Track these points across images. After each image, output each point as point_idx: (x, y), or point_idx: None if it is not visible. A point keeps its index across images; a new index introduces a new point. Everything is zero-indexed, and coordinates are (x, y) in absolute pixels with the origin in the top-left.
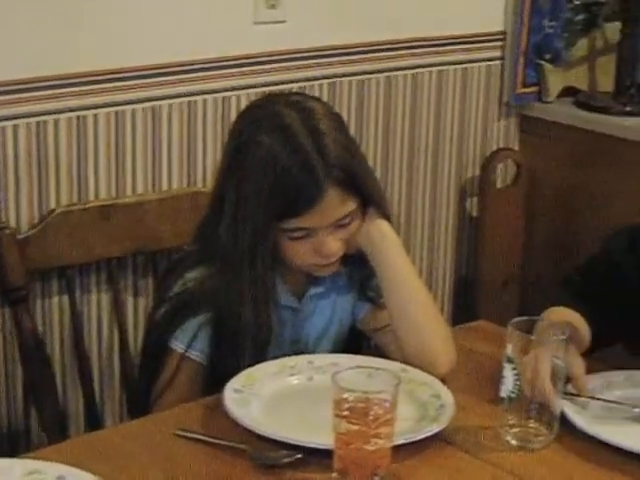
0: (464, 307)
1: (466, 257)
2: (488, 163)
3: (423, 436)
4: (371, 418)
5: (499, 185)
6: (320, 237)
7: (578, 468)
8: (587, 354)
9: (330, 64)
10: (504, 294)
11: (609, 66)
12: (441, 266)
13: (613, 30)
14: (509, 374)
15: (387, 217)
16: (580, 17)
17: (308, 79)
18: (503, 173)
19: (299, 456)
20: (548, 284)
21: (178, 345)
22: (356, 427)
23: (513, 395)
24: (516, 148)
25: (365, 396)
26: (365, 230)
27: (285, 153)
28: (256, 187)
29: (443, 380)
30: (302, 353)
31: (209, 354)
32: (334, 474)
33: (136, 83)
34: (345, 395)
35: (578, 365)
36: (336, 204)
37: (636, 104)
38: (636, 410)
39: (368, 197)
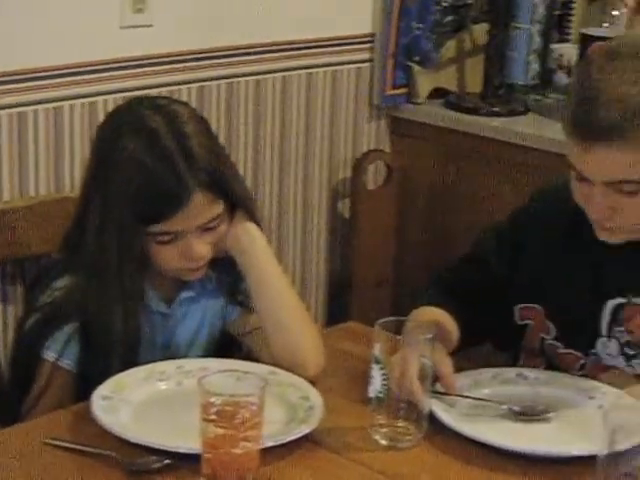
0: (338, 309)
1: (339, 259)
2: (359, 165)
3: (292, 438)
4: (239, 421)
5: (370, 187)
6: (187, 241)
7: (448, 466)
8: (456, 352)
9: (198, 68)
10: (378, 295)
11: (478, 67)
12: (314, 268)
13: (481, 31)
14: (377, 374)
15: (255, 220)
16: (448, 19)
17: (176, 83)
18: (374, 175)
19: (168, 462)
20: (421, 284)
21: (49, 355)
22: (224, 431)
23: (381, 395)
24: (387, 150)
25: (232, 400)
26: (233, 233)
27: (150, 157)
28: (122, 192)
29: (312, 382)
30: (174, 358)
31: (80, 362)
32: (202, 479)
33: (0, 89)
34: (212, 399)
35: (446, 364)
36: (203, 207)
37: (504, 104)
38: (504, 407)
39: (236, 200)
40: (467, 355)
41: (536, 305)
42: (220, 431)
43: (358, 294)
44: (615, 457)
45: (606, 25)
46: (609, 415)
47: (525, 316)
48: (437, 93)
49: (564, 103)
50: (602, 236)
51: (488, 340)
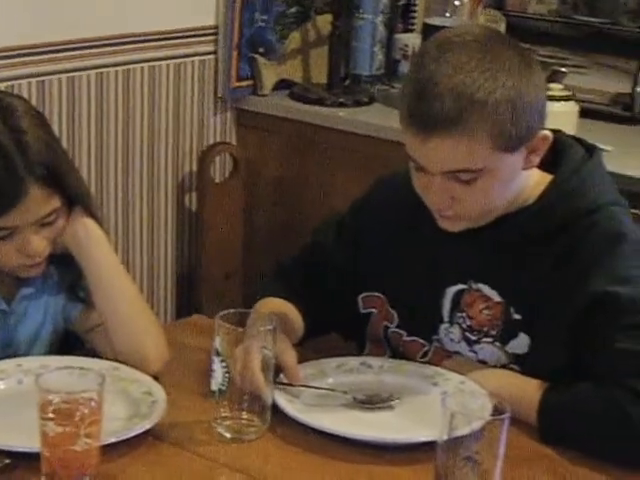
0: (188, 303)
1: (188, 252)
2: (205, 158)
3: (134, 433)
4: (78, 419)
5: (217, 179)
6: (24, 236)
7: (292, 457)
8: (301, 343)
9: (40, 62)
10: (227, 287)
11: (322, 58)
12: (162, 262)
13: (325, 22)
14: (218, 367)
15: (93, 215)
16: (292, 10)
17: (15, 78)
18: (221, 167)
19: (8, 462)
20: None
21: None
22: (63, 429)
23: (223, 388)
24: (233, 142)
25: (70, 397)
26: (70, 229)
27: None
28: None
29: (155, 376)
30: (15, 357)
31: None
32: (42, 478)
33: None
34: (50, 397)
35: (288, 354)
36: (39, 202)
37: (350, 95)
38: (348, 396)
39: (73, 195)
40: (312, 345)
41: (378, 294)
42: (59, 429)
43: (208, 287)
44: (455, 442)
45: (448, 15)
46: (448, 400)
47: (368, 305)
48: (282, 85)
49: (400, 95)
50: (443, 225)
51: (333, 329)
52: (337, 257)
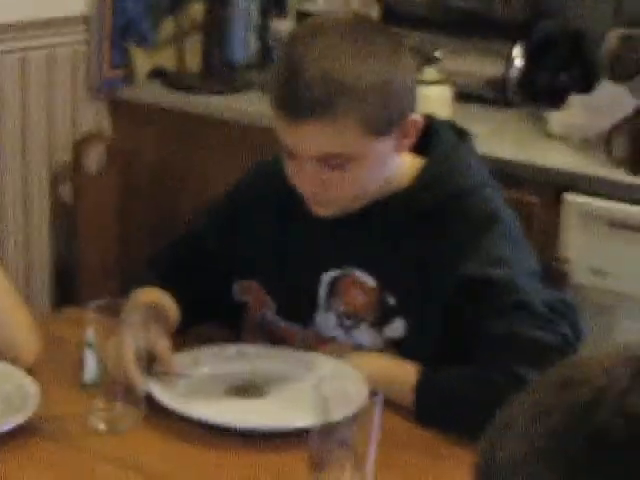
0: (64, 296)
1: (64, 245)
2: (79, 149)
3: (7, 427)
4: None
5: (92, 170)
6: None
7: (169, 447)
8: (179, 332)
9: None
10: (105, 279)
11: (197, 46)
12: (38, 256)
13: (199, 10)
14: (90, 359)
15: None
16: None
17: None
18: (96, 158)
19: None
20: None
21: None
22: None
23: (97, 379)
24: (108, 132)
25: None
26: None
27: None
28: None
29: (28, 370)
30: None
31: None
32: None
33: None
34: None
35: (162, 344)
36: None
37: (224, 83)
38: (224, 384)
39: None
40: (189, 334)
41: (254, 281)
42: None
43: (85, 279)
44: (329, 427)
45: (322, 2)
46: (321, 386)
47: (244, 292)
48: (156, 73)
49: (270, 80)
50: (316, 211)
51: (210, 318)
52: (212, 244)
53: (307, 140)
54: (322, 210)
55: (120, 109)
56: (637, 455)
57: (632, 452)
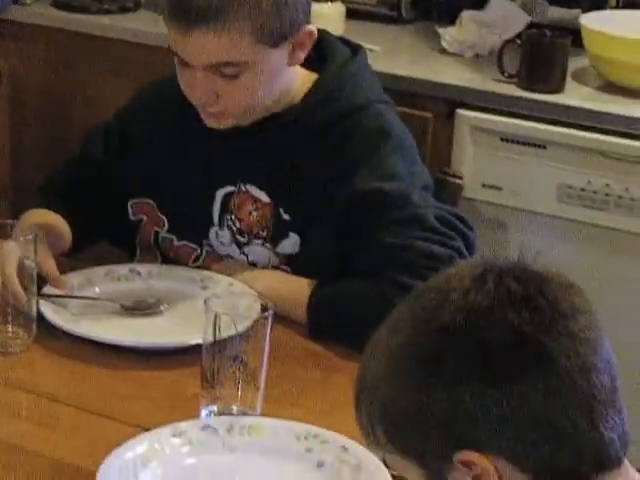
0: None
1: None
2: None
3: None
4: None
5: None
6: None
7: (61, 367)
8: (73, 252)
9: None
10: None
11: None
12: None
13: None
14: None
15: None
16: None
17: None
18: None
19: None
20: None
21: None
22: None
23: None
24: None
25: None
26: None
27: None
28: None
29: None
30: None
31: None
32: None
33: None
34: None
35: (49, 264)
36: None
37: (114, 2)
38: (116, 304)
39: None
40: (83, 254)
41: (148, 199)
42: None
43: None
44: (220, 343)
45: None
46: (211, 302)
47: (138, 211)
48: None
49: None
50: (209, 123)
51: (104, 238)
52: (103, 164)
53: (198, 48)
54: (214, 122)
55: (7, 30)
56: (479, 341)
57: (474, 339)
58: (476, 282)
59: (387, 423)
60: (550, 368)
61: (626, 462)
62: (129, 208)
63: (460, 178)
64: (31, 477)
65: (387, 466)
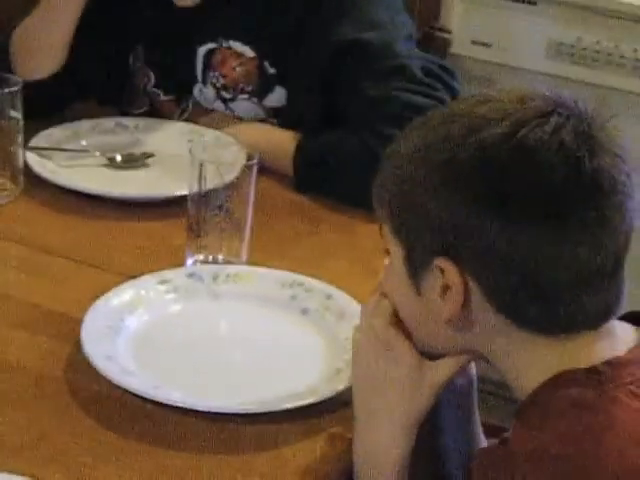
0: None
1: None
2: None
3: None
4: None
5: None
6: None
7: (48, 218)
8: (60, 108)
9: None
10: None
11: None
12: None
13: None
14: None
15: None
16: None
17: None
18: None
19: None
20: None
21: None
22: None
23: None
24: None
25: None
26: None
27: None
28: None
29: None
30: None
31: None
32: None
33: None
34: None
35: None
36: None
37: None
38: (101, 157)
39: None
40: (70, 109)
41: (139, 49)
42: None
43: None
44: (206, 192)
45: None
46: (196, 150)
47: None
48: None
49: None
50: (180, 3)
51: (92, 92)
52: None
53: None
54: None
55: None
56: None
57: (511, 176)
58: (540, 120)
59: (396, 203)
60: (571, 224)
61: (613, 324)
62: (130, 58)
63: (449, 33)
64: (18, 324)
65: (381, 235)
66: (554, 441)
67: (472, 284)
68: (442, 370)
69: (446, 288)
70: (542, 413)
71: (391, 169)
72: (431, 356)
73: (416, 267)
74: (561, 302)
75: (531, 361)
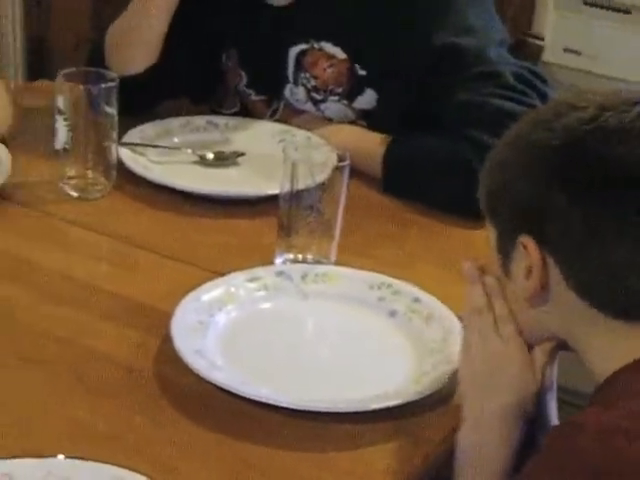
0: (39, 71)
1: (36, 20)
2: None
3: None
4: None
5: None
6: None
7: (139, 213)
8: (151, 106)
9: None
10: (77, 56)
11: None
12: (11, 29)
13: None
14: (61, 126)
15: None
16: None
17: None
18: None
19: None
20: None
21: None
22: None
23: (67, 147)
24: None
25: None
26: None
27: None
28: None
29: (2, 140)
30: None
31: None
32: None
33: None
34: None
35: None
36: None
37: None
38: (192, 154)
39: None
40: (161, 107)
41: (232, 50)
42: None
43: (57, 55)
44: (297, 193)
45: None
46: (291, 153)
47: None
48: None
49: None
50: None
51: (185, 92)
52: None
53: None
54: None
55: None
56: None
57: (591, 159)
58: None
59: (490, 185)
60: None
61: None
62: (223, 58)
63: (541, 40)
64: (108, 316)
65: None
66: (625, 417)
67: (552, 265)
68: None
69: (530, 268)
70: (618, 394)
71: (489, 156)
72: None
73: (506, 248)
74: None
75: (610, 345)
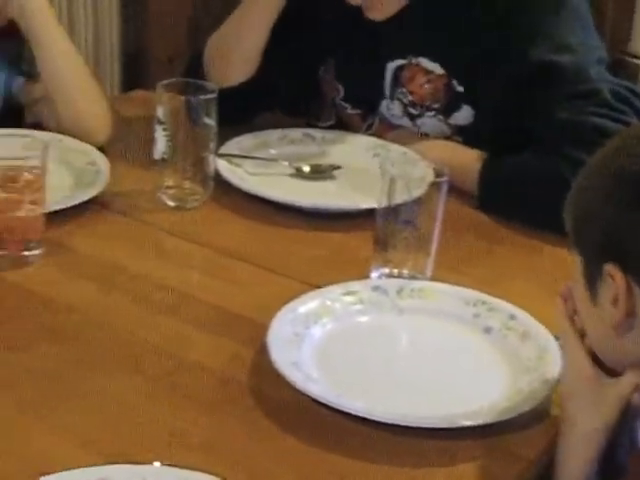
0: (134, 84)
1: (133, 31)
2: None
3: (79, 201)
4: (22, 185)
5: None
6: None
7: (234, 224)
8: (247, 118)
9: None
10: (172, 68)
11: None
12: (107, 42)
13: None
14: (160, 136)
15: None
16: None
17: None
18: None
19: None
20: None
21: None
22: (6, 195)
23: (166, 156)
24: None
25: (13, 163)
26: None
27: None
28: None
29: (101, 148)
30: None
31: None
32: None
33: None
34: None
35: None
36: None
37: None
38: (291, 166)
39: None
40: (257, 118)
41: (330, 63)
42: (3, 195)
43: (152, 68)
44: (395, 208)
45: None
46: (387, 165)
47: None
48: None
49: None
50: (370, 15)
51: (279, 105)
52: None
53: None
54: (377, 14)
55: None
56: None
57: None
58: None
59: (576, 212)
60: None
61: None
62: (320, 71)
63: (638, 58)
64: (203, 326)
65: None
66: None
67: (638, 293)
68: (625, 384)
69: (617, 297)
70: None
71: (576, 181)
72: (613, 373)
73: (592, 276)
74: None
75: None
